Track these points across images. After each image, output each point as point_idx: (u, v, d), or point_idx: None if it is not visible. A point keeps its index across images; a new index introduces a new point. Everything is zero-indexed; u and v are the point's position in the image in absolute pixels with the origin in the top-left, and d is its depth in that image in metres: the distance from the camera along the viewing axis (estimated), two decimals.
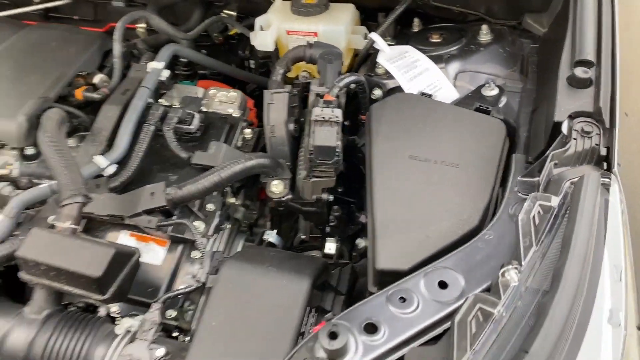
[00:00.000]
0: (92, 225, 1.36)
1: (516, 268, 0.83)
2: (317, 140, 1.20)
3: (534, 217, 0.89)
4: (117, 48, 1.60)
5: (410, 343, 0.87)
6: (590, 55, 1.10)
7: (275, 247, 1.43)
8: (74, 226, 1.18)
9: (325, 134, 1.21)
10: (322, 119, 1.21)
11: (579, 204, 0.85)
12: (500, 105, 1.31)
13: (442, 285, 0.94)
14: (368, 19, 1.74)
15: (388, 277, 1.04)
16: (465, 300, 0.87)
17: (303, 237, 1.54)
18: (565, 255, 0.80)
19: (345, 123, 1.49)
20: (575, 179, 0.91)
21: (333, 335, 0.83)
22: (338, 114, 1.22)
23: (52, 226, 1.20)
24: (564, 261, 0.79)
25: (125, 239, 1.35)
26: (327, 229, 1.46)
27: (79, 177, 1.22)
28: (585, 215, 0.84)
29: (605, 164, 0.97)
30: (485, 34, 1.49)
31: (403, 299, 0.92)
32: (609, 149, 0.97)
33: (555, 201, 0.90)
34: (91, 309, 1.27)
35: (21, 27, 1.72)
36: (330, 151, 1.21)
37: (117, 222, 1.33)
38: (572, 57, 1.13)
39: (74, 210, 1.18)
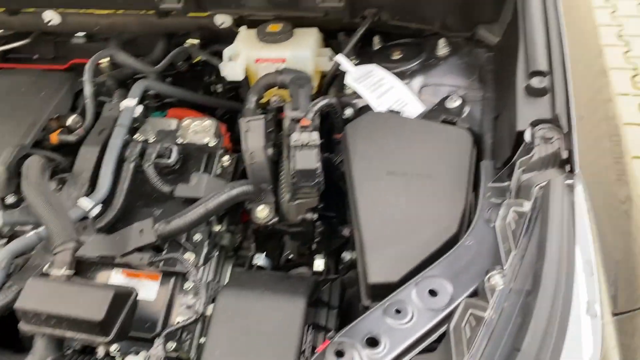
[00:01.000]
0: (82, 268, 1.38)
1: (500, 272, 0.90)
2: (298, 165, 1.26)
3: (509, 222, 0.97)
4: (88, 89, 1.62)
5: (410, 352, 0.93)
6: (543, 66, 1.19)
7: (265, 270, 1.47)
8: (69, 272, 1.20)
9: (306, 157, 1.26)
10: (302, 144, 1.27)
11: (549, 207, 0.93)
12: (464, 115, 1.39)
13: (432, 293, 1.01)
14: (328, 37, 1.80)
15: (380, 290, 1.11)
16: (456, 307, 0.94)
17: (291, 255, 1.59)
18: (542, 256, 0.88)
19: (321, 141, 1.55)
20: (543, 184, 1.00)
21: (339, 354, 0.89)
22: (315, 137, 1.28)
23: (47, 274, 1.22)
24: (541, 262, 0.87)
25: (117, 277, 1.38)
26: (314, 246, 1.51)
27: (68, 223, 1.24)
28: (555, 217, 0.92)
29: (568, 166, 1.05)
30: (442, 48, 1.57)
31: (398, 311, 0.99)
32: (570, 152, 1.06)
33: (527, 206, 0.98)
34: (88, 349, 1.29)
35: None
36: (312, 173, 1.27)
37: (108, 262, 1.35)
38: (526, 67, 1.21)
39: (67, 257, 1.20)
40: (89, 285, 1.17)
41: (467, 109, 1.40)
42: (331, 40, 1.81)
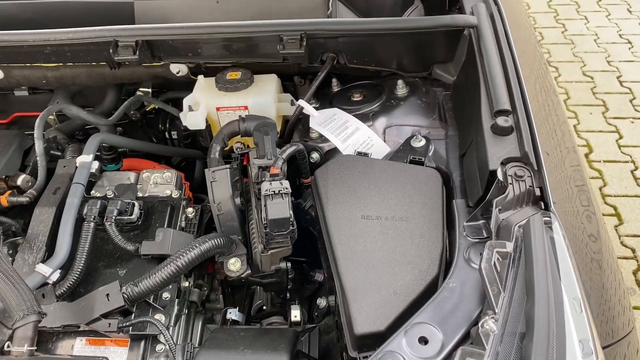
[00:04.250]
0: (41, 339, 1.29)
1: (492, 317, 0.90)
2: (271, 214, 1.23)
3: (494, 264, 0.98)
4: (39, 146, 1.54)
5: None
6: (506, 105, 1.23)
7: (239, 325, 1.42)
8: (30, 348, 1.11)
9: (278, 206, 1.24)
10: (273, 193, 1.24)
11: (532, 247, 0.95)
12: (430, 154, 1.42)
13: (423, 341, 0.99)
14: (284, 80, 1.80)
15: (367, 340, 1.08)
16: (449, 354, 0.93)
17: (264, 307, 1.54)
18: (532, 298, 0.88)
19: None
20: (522, 222, 1.02)
21: None
22: (287, 185, 1.26)
23: (7, 352, 1.12)
24: (532, 304, 0.88)
25: (80, 347, 1.29)
26: (288, 295, 1.48)
27: (28, 294, 1.15)
28: (539, 257, 0.93)
29: (542, 203, 1.08)
30: (401, 88, 1.60)
31: None
32: (542, 189, 1.09)
33: (509, 247, 0.99)
34: None
35: None
36: (285, 222, 1.24)
37: (70, 330, 1.26)
38: (490, 107, 1.25)
39: (29, 331, 1.11)
40: None
41: (432, 148, 1.43)
42: (287, 83, 1.82)
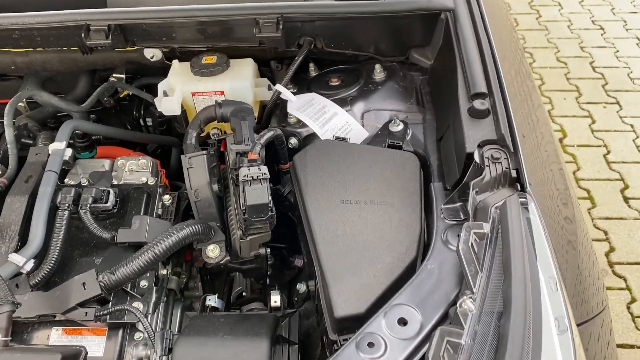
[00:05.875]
0: (16, 329, 1.26)
1: (470, 297, 0.91)
2: (249, 200, 1.22)
3: (472, 245, 0.99)
4: (10, 133, 1.50)
5: None
6: (483, 88, 1.24)
7: (219, 311, 1.41)
8: (4, 339, 1.09)
9: (257, 192, 1.23)
10: (251, 178, 1.23)
11: (508, 228, 0.96)
12: (408, 138, 1.42)
13: (402, 322, 1.00)
14: (261, 65, 1.78)
15: (347, 323, 1.09)
16: (428, 334, 0.94)
17: (244, 293, 1.54)
18: (509, 277, 0.90)
19: None
20: (499, 204, 1.03)
21: None
22: (265, 170, 1.25)
23: None
24: (509, 283, 0.89)
25: (57, 337, 1.27)
26: (267, 281, 1.47)
27: (1, 284, 1.13)
28: (516, 237, 0.94)
29: (518, 185, 1.09)
30: (379, 72, 1.60)
31: (371, 344, 0.97)
32: (518, 171, 1.10)
33: (486, 228, 1.00)
34: None
35: None
36: (264, 208, 1.23)
37: (46, 320, 1.24)
38: (467, 90, 1.26)
39: (2, 322, 1.09)
40: (31, 351, 1.06)
41: (410, 132, 1.43)
42: (264, 68, 1.80)
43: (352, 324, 1.08)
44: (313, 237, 1.20)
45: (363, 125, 1.49)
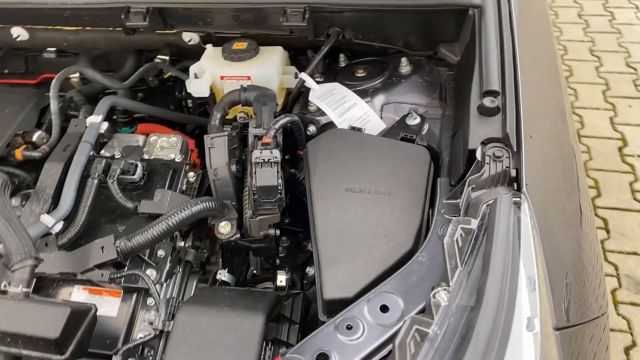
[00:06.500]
0: (43, 284, 1.38)
1: (445, 289, 0.92)
2: (259, 181, 1.27)
3: (457, 239, 1.00)
4: (54, 104, 1.62)
5: None
6: (496, 86, 1.23)
7: (228, 285, 1.48)
8: (26, 290, 1.20)
9: (266, 174, 1.28)
10: (262, 161, 1.28)
11: (495, 225, 0.96)
12: (423, 132, 1.43)
13: (384, 309, 1.03)
14: (298, 54, 1.83)
15: (336, 306, 1.12)
16: (404, 323, 0.96)
17: (255, 271, 1.60)
18: (486, 272, 0.90)
19: (286, 157, 1.58)
20: (490, 201, 1.03)
21: None
22: (277, 154, 1.30)
23: (4, 292, 1.21)
24: (485, 278, 0.89)
25: (78, 294, 1.38)
26: (277, 261, 1.52)
27: (27, 240, 1.24)
28: (500, 234, 0.94)
29: (515, 185, 1.08)
30: (405, 66, 1.61)
31: (349, 327, 1.00)
32: (518, 171, 1.09)
33: (474, 223, 1.01)
34: None
35: None
36: (273, 190, 1.28)
37: (70, 279, 1.35)
38: (480, 87, 1.25)
39: (25, 274, 1.20)
40: (45, 303, 1.16)
41: (426, 127, 1.44)
42: (301, 57, 1.84)
43: (340, 307, 1.11)
44: (314, 220, 1.24)
45: (382, 118, 1.50)
